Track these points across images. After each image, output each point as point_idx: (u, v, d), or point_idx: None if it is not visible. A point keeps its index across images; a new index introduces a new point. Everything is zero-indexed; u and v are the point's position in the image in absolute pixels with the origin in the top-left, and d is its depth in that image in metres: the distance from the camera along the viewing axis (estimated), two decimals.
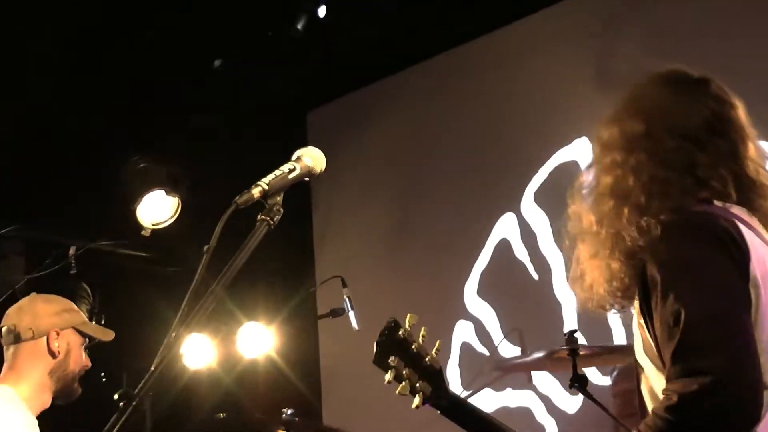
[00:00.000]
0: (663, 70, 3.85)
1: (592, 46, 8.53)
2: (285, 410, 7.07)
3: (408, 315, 4.02)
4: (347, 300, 7.36)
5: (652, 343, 3.46)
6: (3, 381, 5.66)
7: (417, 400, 3.93)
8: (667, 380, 3.33)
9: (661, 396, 3.40)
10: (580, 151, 8.40)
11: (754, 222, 3.55)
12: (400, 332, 3.95)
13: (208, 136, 8.82)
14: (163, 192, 8.74)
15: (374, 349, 3.94)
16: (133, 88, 8.99)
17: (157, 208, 8.75)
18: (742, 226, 3.46)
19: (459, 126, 9.09)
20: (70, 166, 9.35)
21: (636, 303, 3.52)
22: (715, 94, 3.68)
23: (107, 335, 6.02)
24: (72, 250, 9.16)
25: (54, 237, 9.67)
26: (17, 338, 5.66)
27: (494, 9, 8.92)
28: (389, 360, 3.90)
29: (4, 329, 5.72)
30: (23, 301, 5.94)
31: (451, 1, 8.99)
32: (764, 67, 7.64)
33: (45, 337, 5.68)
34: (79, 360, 5.79)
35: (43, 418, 5.50)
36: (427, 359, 3.98)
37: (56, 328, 5.70)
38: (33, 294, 6.01)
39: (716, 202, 3.53)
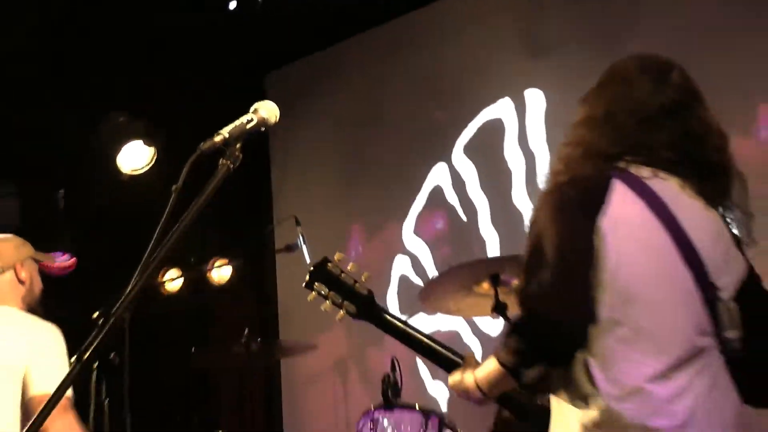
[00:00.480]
0: (635, 55, 3.85)
1: (516, 19, 8.56)
2: (245, 331, 7.17)
3: (337, 253, 4.38)
4: (301, 237, 7.42)
5: None
6: None
7: (340, 313, 4.39)
8: None
9: None
10: (503, 109, 8.50)
11: (670, 190, 3.54)
12: (328, 265, 4.35)
13: (178, 96, 8.79)
14: (140, 142, 8.80)
15: (306, 277, 4.33)
16: (109, 53, 8.96)
17: (135, 157, 8.82)
18: (620, 189, 3.51)
19: (401, 89, 9.13)
20: (57, 119, 9.33)
21: None
22: (675, 83, 3.69)
23: (51, 259, 6.05)
24: (60, 194, 9.27)
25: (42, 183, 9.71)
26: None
27: None
28: (315, 285, 4.34)
29: None
30: None
31: None
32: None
33: (12, 269, 5.74)
34: (39, 284, 5.87)
35: None
36: (355, 285, 4.34)
37: (19, 261, 5.77)
38: None
39: (630, 168, 3.55)
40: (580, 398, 3.46)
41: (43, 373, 5.25)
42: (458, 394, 3.89)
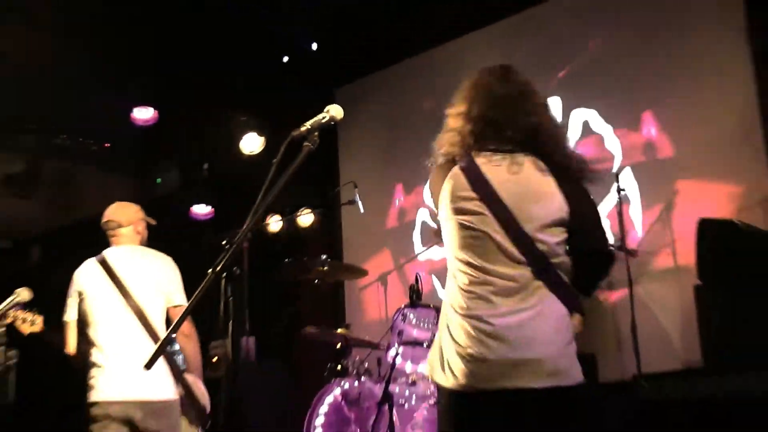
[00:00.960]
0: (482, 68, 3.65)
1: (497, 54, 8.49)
2: (323, 255, 7.16)
3: None
4: (357, 195, 7.39)
5: None
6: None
7: None
8: None
9: None
10: None
11: (489, 161, 3.37)
12: None
13: (280, 104, 8.82)
14: (255, 134, 8.86)
15: None
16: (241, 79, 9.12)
17: (251, 143, 8.90)
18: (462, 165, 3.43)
19: (430, 100, 9.02)
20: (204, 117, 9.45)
21: None
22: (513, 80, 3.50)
23: (152, 221, 5.82)
24: (205, 167, 9.30)
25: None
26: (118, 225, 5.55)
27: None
28: None
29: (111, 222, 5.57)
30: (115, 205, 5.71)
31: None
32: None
33: (132, 225, 5.59)
34: (145, 234, 5.68)
35: None
36: None
37: (137, 220, 5.63)
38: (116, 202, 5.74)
39: (474, 154, 3.42)
40: None
41: (178, 291, 5.38)
42: None
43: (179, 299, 5.36)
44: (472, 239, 3.28)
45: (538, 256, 3.19)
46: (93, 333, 5.16)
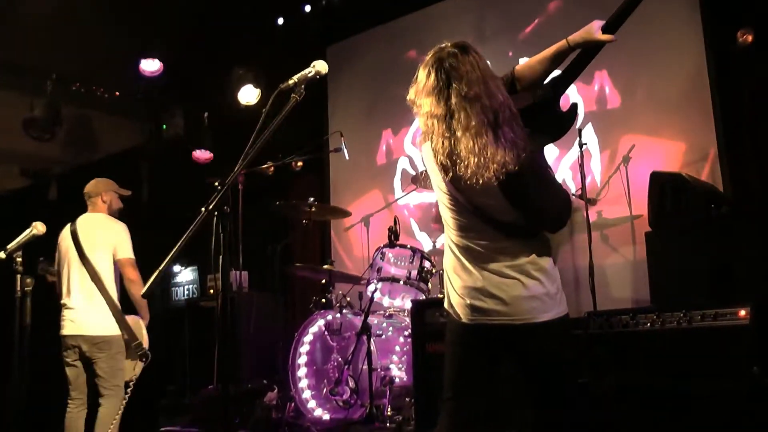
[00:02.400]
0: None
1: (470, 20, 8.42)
2: (310, 198, 7.15)
3: None
4: (343, 143, 7.36)
5: None
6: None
7: None
8: None
9: None
10: None
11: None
12: None
13: (275, 59, 8.73)
14: (251, 86, 8.81)
15: None
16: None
17: (247, 95, 8.85)
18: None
19: (413, 57, 8.95)
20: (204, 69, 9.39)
21: None
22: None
23: (126, 192, 6.42)
24: (206, 115, 9.26)
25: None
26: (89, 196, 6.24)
27: None
28: None
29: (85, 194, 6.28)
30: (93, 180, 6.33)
31: None
32: None
33: (99, 196, 6.24)
34: (117, 204, 6.32)
35: None
36: None
37: (104, 191, 6.26)
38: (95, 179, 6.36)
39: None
40: None
41: (123, 246, 5.99)
42: None
43: (123, 253, 5.98)
44: None
45: None
46: (61, 280, 6.03)
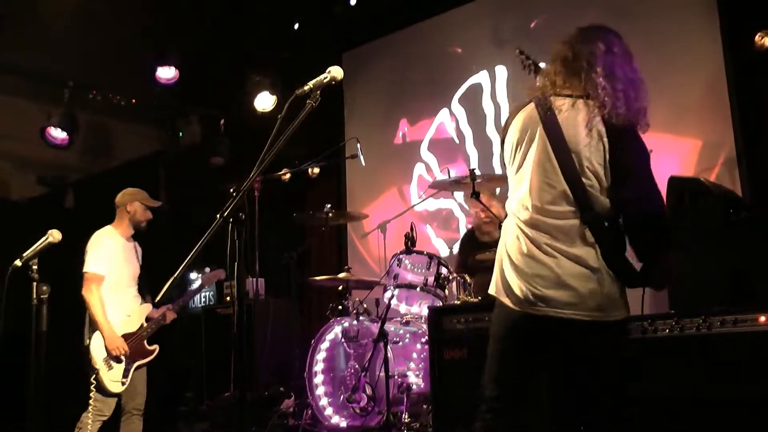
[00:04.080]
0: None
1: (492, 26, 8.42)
2: (327, 205, 7.16)
3: None
4: (359, 149, 7.35)
5: None
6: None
7: None
8: None
9: None
10: (482, 77, 8.46)
11: (556, 102, 3.35)
12: None
13: (290, 66, 8.78)
14: (267, 92, 8.85)
15: None
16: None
17: (264, 101, 8.90)
18: (530, 106, 3.39)
19: (424, 63, 9.03)
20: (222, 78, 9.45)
21: None
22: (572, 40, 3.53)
23: (154, 202, 6.47)
24: (222, 122, 9.29)
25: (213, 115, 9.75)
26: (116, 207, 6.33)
27: None
28: None
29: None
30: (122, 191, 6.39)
31: None
32: None
33: (125, 206, 6.31)
34: (144, 215, 6.37)
35: None
36: None
37: (129, 202, 6.32)
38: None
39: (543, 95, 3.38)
40: None
41: (86, 260, 6.08)
42: None
43: (85, 266, 6.03)
44: None
45: None
46: None
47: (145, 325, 6.11)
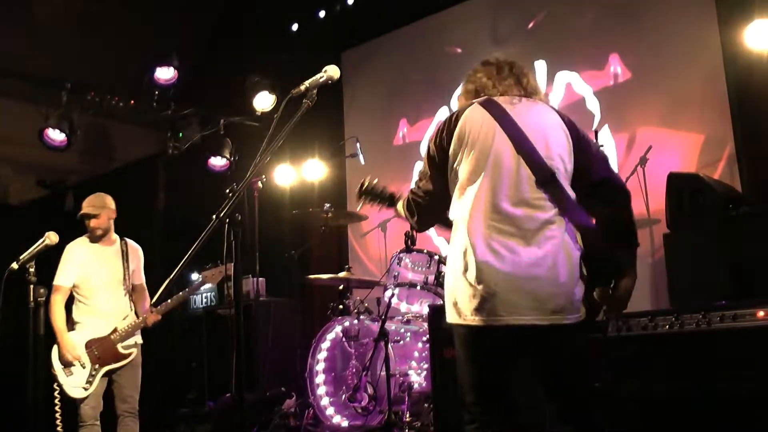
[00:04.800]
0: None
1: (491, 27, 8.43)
2: (326, 204, 7.15)
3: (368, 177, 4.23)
4: (358, 148, 7.37)
5: None
6: None
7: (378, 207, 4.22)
8: None
9: None
10: None
11: (505, 101, 3.34)
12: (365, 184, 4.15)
13: (290, 67, 8.78)
14: (267, 92, 8.87)
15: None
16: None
17: (263, 101, 8.91)
18: (475, 107, 3.33)
19: (424, 62, 9.06)
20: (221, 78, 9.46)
21: None
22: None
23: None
24: (222, 122, 9.29)
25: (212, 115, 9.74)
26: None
27: None
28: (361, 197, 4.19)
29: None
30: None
31: None
32: None
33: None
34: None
35: None
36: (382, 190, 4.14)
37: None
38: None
39: (483, 98, 3.38)
40: None
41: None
42: None
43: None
44: None
45: None
46: None
47: (120, 328, 5.99)
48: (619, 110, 7.35)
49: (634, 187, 6.76)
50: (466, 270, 3.13)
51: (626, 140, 7.25)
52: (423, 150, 3.41)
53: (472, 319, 3.11)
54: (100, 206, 6.17)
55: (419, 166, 8.79)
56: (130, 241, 6.37)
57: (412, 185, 3.52)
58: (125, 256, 6.26)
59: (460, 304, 3.16)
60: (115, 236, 6.29)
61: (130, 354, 5.97)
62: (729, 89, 6.70)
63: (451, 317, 3.21)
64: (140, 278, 6.32)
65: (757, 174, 6.47)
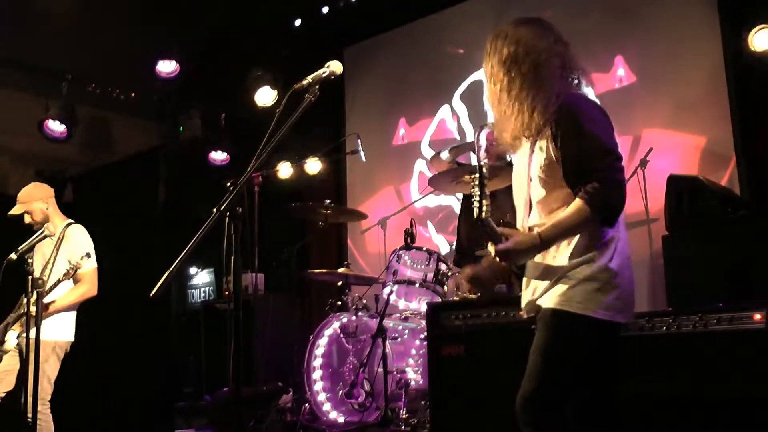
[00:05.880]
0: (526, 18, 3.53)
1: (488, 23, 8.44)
2: (326, 200, 7.18)
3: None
4: (360, 145, 7.40)
5: (558, 163, 3.19)
6: None
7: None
8: (579, 178, 3.11)
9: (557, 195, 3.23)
10: (482, 75, 8.40)
11: None
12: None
13: (293, 62, 8.79)
14: (269, 87, 8.89)
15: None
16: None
17: (265, 96, 8.93)
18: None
19: (426, 61, 9.08)
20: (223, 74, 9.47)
21: (546, 138, 3.23)
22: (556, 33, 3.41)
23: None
24: (223, 116, 9.31)
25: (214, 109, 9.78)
26: None
27: None
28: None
29: None
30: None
31: None
32: None
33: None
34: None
35: None
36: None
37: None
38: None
39: (581, 89, 3.34)
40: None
41: None
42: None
43: None
44: None
45: None
46: None
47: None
48: (624, 113, 7.37)
49: (634, 188, 6.80)
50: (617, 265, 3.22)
51: (630, 142, 7.27)
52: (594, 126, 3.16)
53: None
54: (26, 201, 6.01)
55: (420, 164, 8.88)
56: (71, 228, 6.05)
57: (602, 164, 3.12)
58: (58, 244, 5.91)
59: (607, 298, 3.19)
60: (59, 222, 6.02)
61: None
62: (729, 93, 6.75)
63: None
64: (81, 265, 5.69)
65: (756, 177, 6.51)
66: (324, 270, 7.00)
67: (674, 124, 7.06)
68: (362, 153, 7.46)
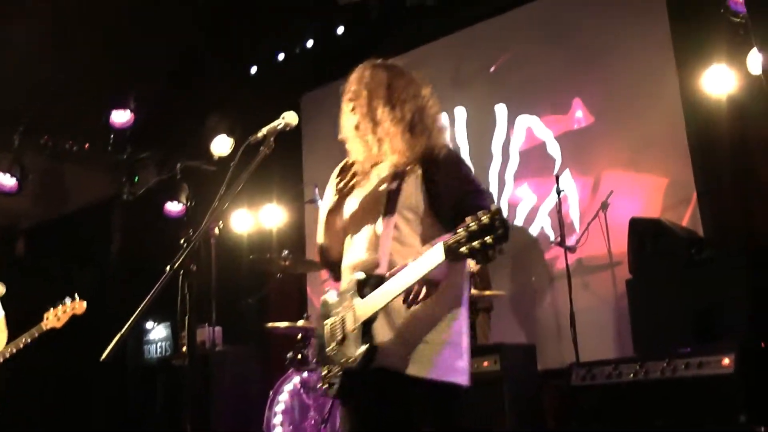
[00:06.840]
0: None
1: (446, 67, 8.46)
2: (285, 251, 7.08)
3: None
4: (317, 193, 7.32)
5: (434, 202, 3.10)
6: None
7: None
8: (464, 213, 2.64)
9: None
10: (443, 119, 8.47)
11: None
12: None
13: (248, 111, 8.72)
14: (225, 135, 8.85)
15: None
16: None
17: (221, 145, 8.87)
18: None
19: None
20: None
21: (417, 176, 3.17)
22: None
23: None
24: (178, 166, 9.22)
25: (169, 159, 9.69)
26: None
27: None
28: None
29: None
30: None
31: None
32: None
33: None
34: None
35: None
36: None
37: None
38: None
39: None
40: None
41: None
42: None
43: None
44: None
45: None
46: None
47: None
48: (583, 154, 7.39)
49: (596, 231, 6.79)
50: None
51: (591, 184, 7.28)
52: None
53: None
54: None
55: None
56: None
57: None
58: None
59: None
60: None
61: None
62: (688, 133, 6.78)
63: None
64: None
65: (718, 217, 6.52)
66: (283, 324, 6.85)
67: (635, 165, 7.07)
68: (320, 202, 7.37)
